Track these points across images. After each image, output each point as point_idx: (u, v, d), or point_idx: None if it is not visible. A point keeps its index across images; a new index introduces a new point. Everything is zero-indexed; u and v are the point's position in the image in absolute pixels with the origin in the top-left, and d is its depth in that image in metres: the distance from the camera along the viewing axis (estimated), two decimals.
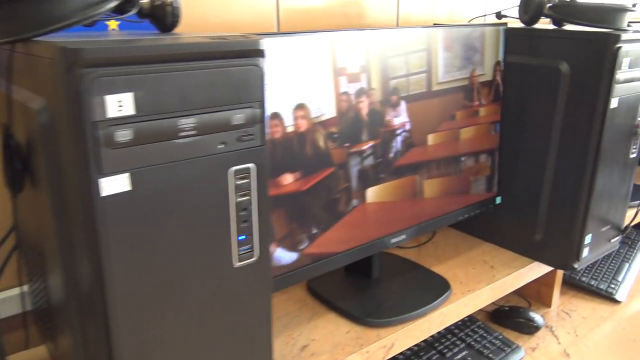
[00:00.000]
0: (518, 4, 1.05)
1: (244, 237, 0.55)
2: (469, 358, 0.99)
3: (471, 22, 1.25)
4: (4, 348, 0.76)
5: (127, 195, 0.46)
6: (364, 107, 0.85)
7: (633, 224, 1.12)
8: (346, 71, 0.79)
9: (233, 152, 0.52)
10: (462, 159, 1.00)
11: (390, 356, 0.82)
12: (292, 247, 0.78)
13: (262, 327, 0.60)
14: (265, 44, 0.65)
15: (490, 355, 1.00)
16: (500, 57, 0.99)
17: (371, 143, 0.87)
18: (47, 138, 0.49)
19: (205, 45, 0.48)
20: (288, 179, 0.75)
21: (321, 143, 0.79)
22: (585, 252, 1.00)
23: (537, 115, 0.99)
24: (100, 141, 0.44)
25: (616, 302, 1.23)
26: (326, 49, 0.75)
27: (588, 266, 1.33)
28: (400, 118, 0.92)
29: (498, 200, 1.06)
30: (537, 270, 1.05)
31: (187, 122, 0.48)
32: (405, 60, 0.88)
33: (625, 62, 0.89)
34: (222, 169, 0.52)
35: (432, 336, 1.04)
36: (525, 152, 1.02)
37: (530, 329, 1.11)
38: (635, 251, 1.43)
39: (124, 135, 0.45)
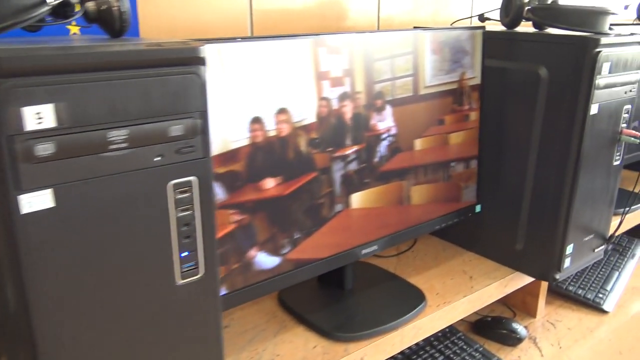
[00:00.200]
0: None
1: (186, 253, 0.53)
2: None
3: (453, 25, 1.22)
4: None
5: (50, 212, 0.44)
6: (348, 112, 0.83)
7: (618, 232, 1.09)
8: (329, 75, 0.78)
9: (172, 165, 0.50)
10: (441, 166, 0.97)
11: None
12: (273, 252, 0.76)
13: (211, 347, 0.57)
14: (240, 48, 0.66)
15: None
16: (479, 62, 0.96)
17: (355, 148, 0.85)
18: None
19: (136, 53, 0.46)
20: (269, 183, 0.74)
21: (303, 147, 0.77)
22: (567, 262, 0.97)
23: (516, 122, 0.96)
24: (18, 156, 0.41)
25: (603, 312, 1.20)
26: (306, 53, 0.74)
27: (576, 275, 1.30)
28: (385, 122, 0.90)
29: (478, 208, 1.03)
30: (518, 280, 1.02)
31: (118, 134, 0.46)
32: (390, 64, 0.86)
33: (605, 67, 0.86)
34: (160, 182, 0.50)
35: (409, 348, 1.01)
36: (505, 159, 0.99)
37: (513, 340, 1.08)
38: (625, 259, 1.40)
39: (44, 149, 0.42)
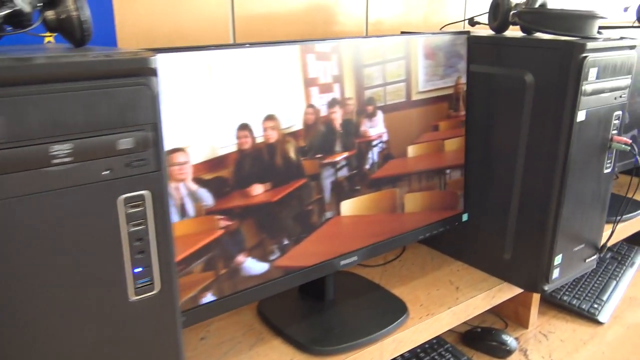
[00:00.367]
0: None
1: (140, 269, 0.51)
2: None
3: (443, 29, 1.20)
4: None
5: None
6: (338, 118, 0.82)
7: (610, 242, 1.06)
8: (317, 81, 0.77)
9: (121, 179, 0.48)
10: (429, 173, 0.95)
11: None
12: (262, 259, 0.75)
13: None
14: (226, 55, 0.66)
15: None
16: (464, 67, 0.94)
17: (345, 154, 0.84)
18: None
19: (80, 64, 0.45)
20: (257, 189, 0.73)
21: (292, 154, 0.76)
22: (556, 273, 0.94)
23: (503, 129, 0.94)
24: None
25: (598, 323, 1.16)
26: (293, 60, 0.73)
27: (572, 284, 1.27)
28: (376, 129, 0.88)
29: (465, 217, 1.01)
30: (506, 291, 0.99)
31: (61, 149, 0.45)
32: (381, 69, 0.85)
33: (592, 72, 0.84)
34: (110, 197, 0.48)
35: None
36: (492, 167, 0.97)
37: (503, 352, 1.05)
38: (624, 268, 1.37)
39: None
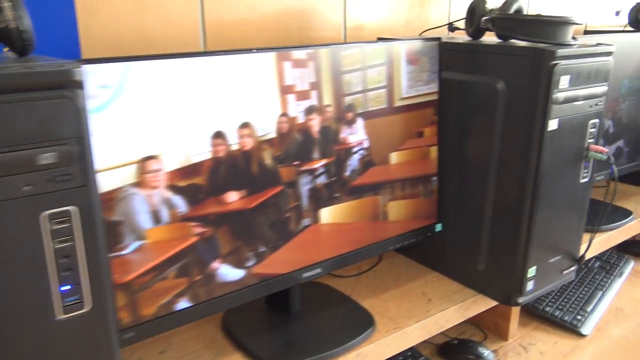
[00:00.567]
0: None
1: (68, 286, 0.50)
2: None
3: (422, 35, 1.18)
4: None
5: None
6: (315, 125, 0.80)
7: (595, 252, 1.03)
8: (294, 89, 0.76)
9: (44, 194, 0.47)
10: (408, 181, 0.93)
11: None
12: (238, 265, 0.75)
13: None
14: (198, 63, 0.65)
15: None
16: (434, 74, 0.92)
17: (324, 161, 0.82)
18: None
19: None
20: (233, 196, 0.73)
21: (268, 161, 0.76)
22: (530, 285, 0.91)
23: (476, 138, 0.92)
24: None
25: (581, 335, 1.13)
26: (268, 67, 0.72)
27: (556, 294, 1.24)
28: (356, 135, 0.86)
29: (438, 227, 0.98)
30: (481, 304, 0.97)
31: None
32: (360, 76, 0.84)
33: (563, 80, 0.81)
34: (33, 213, 0.47)
35: None
36: (466, 176, 0.95)
37: None
38: (612, 278, 1.33)
39: None
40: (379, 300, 0.94)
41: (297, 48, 0.75)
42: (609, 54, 0.88)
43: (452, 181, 0.97)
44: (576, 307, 1.19)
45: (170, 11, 0.89)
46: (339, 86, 0.81)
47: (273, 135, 0.75)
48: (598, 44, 0.88)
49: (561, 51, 0.80)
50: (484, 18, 0.90)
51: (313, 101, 0.79)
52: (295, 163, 0.79)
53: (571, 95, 0.84)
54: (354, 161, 0.87)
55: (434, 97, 0.93)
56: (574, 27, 0.86)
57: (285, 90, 0.75)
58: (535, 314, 1.19)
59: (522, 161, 0.85)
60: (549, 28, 0.83)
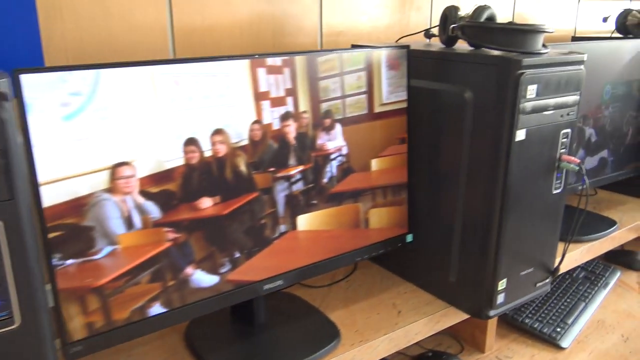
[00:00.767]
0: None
1: None
2: None
3: (399, 41, 1.16)
4: None
5: None
6: (291, 131, 0.80)
7: (567, 266, 1.01)
8: (268, 95, 0.76)
9: None
10: (382, 190, 0.92)
11: None
12: (212, 271, 0.75)
13: None
14: (170, 69, 0.66)
15: None
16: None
17: (300, 168, 0.81)
18: None
19: None
20: (206, 202, 0.73)
21: (243, 168, 0.75)
22: (501, 298, 0.90)
23: (446, 148, 0.90)
24: None
25: (560, 348, 1.11)
26: (241, 74, 0.73)
27: (537, 305, 1.22)
28: (335, 142, 0.85)
29: (409, 238, 0.97)
30: (452, 316, 0.95)
31: None
32: (338, 82, 0.83)
33: (531, 89, 0.80)
34: None
35: None
36: (436, 186, 0.93)
37: None
38: (596, 289, 1.31)
39: None
40: (347, 312, 0.93)
41: (269, 55, 0.75)
42: (580, 62, 0.86)
43: (423, 191, 0.95)
44: (557, 319, 1.17)
45: (137, 17, 0.88)
46: (316, 92, 0.80)
47: (247, 141, 0.75)
48: (570, 52, 0.86)
49: (527, 60, 0.78)
50: (452, 26, 0.88)
51: (289, 107, 0.78)
52: (271, 169, 0.78)
53: (540, 105, 0.82)
54: (332, 168, 0.86)
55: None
56: (544, 35, 0.84)
57: (260, 96, 0.75)
58: (514, 326, 1.17)
59: (490, 172, 0.83)
60: (517, 36, 0.82)
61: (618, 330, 1.19)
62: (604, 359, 1.09)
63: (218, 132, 0.72)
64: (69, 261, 0.63)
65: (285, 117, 0.78)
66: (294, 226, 0.83)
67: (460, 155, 0.87)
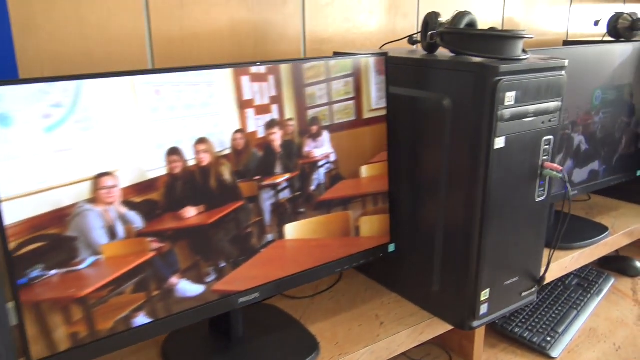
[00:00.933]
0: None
1: None
2: None
3: (382, 48, 1.15)
4: None
5: None
6: (277, 139, 0.79)
7: (553, 275, 0.99)
8: (253, 103, 0.76)
9: None
10: (363, 199, 0.91)
11: None
12: (197, 281, 0.74)
13: None
14: (152, 79, 0.66)
15: None
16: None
17: (287, 176, 0.81)
18: None
19: None
20: (190, 212, 0.72)
21: (227, 176, 0.75)
22: (484, 308, 0.88)
23: (426, 155, 0.89)
24: None
25: (549, 358, 1.09)
26: (224, 83, 0.73)
27: (527, 313, 1.20)
28: (322, 149, 0.84)
29: (391, 247, 0.95)
30: (436, 327, 0.93)
31: None
32: (325, 88, 0.83)
33: (509, 96, 0.78)
34: None
35: None
36: (417, 195, 0.92)
37: None
38: (589, 296, 1.29)
39: None
40: (329, 324, 0.91)
41: (246, 65, 0.75)
42: (561, 68, 0.85)
43: (405, 199, 0.94)
44: (547, 328, 1.15)
45: (114, 28, 0.88)
46: (302, 99, 0.80)
47: (229, 150, 0.74)
48: (550, 58, 0.85)
49: (505, 67, 0.77)
50: (431, 32, 0.87)
51: (274, 115, 0.78)
52: (257, 178, 0.78)
53: (519, 112, 0.81)
54: (320, 175, 0.85)
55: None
56: (523, 40, 0.83)
57: (244, 104, 0.75)
58: (504, 335, 1.16)
59: (470, 180, 0.82)
60: (494, 43, 0.81)
61: (610, 339, 1.16)
62: None
63: (201, 141, 0.72)
64: (52, 272, 0.63)
65: (270, 125, 0.78)
66: (281, 235, 0.82)
67: (440, 163, 0.86)
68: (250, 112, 0.76)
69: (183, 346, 0.83)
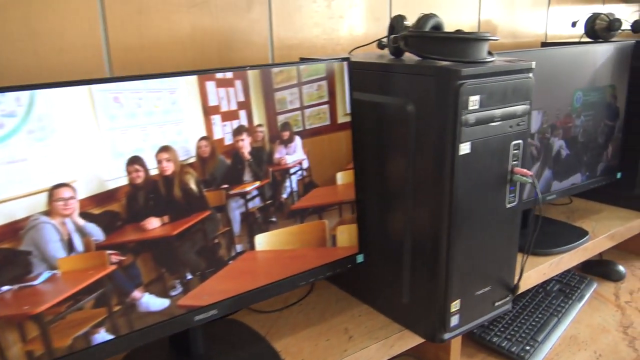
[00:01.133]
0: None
1: None
2: None
3: (352, 52, 1.13)
4: None
5: None
6: (246, 146, 0.77)
7: (531, 283, 0.96)
8: (219, 110, 0.73)
9: None
10: (340, 207, 0.88)
11: None
12: (162, 294, 0.71)
13: None
14: (111, 87, 0.64)
15: None
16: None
17: (257, 184, 0.78)
18: None
19: None
20: (154, 223, 0.70)
21: (193, 186, 0.72)
22: (455, 320, 0.85)
23: (391, 163, 0.86)
24: None
25: None
26: (188, 89, 0.70)
27: (507, 321, 1.17)
28: (294, 155, 0.81)
29: (360, 258, 0.92)
30: (408, 340, 0.90)
31: None
32: (296, 93, 0.80)
33: (473, 100, 0.76)
34: None
35: None
36: (385, 203, 0.89)
37: None
38: (570, 302, 1.26)
39: None
40: (295, 339, 0.88)
41: (207, 72, 0.72)
42: (528, 70, 0.82)
43: (372, 208, 0.91)
44: (526, 337, 1.12)
45: (68, 37, 0.85)
46: (272, 104, 0.77)
47: (195, 158, 0.72)
48: (517, 61, 0.83)
49: (467, 70, 0.74)
50: (394, 36, 0.85)
51: (242, 121, 0.75)
52: (224, 186, 0.75)
53: (485, 116, 0.78)
54: (292, 183, 0.82)
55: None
56: (488, 43, 0.80)
57: (209, 111, 0.72)
58: (482, 344, 1.13)
59: (436, 187, 0.79)
60: (458, 45, 0.78)
61: (591, 346, 1.14)
62: None
63: (164, 149, 0.69)
64: (5, 288, 0.60)
65: (238, 131, 0.75)
66: (252, 246, 0.79)
67: (406, 170, 0.83)
68: (216, 118, 0.73)
69: None
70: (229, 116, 0.74)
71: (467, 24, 1.42)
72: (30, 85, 0.59)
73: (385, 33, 1.24)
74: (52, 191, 0.62)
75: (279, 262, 0.82)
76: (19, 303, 0.61)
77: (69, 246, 0.64)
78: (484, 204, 0.83)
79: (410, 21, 0.88)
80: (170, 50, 0.95)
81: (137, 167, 0.68)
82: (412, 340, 0.91)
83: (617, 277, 1.41)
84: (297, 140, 0.82)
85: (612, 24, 1.39)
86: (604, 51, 1.25)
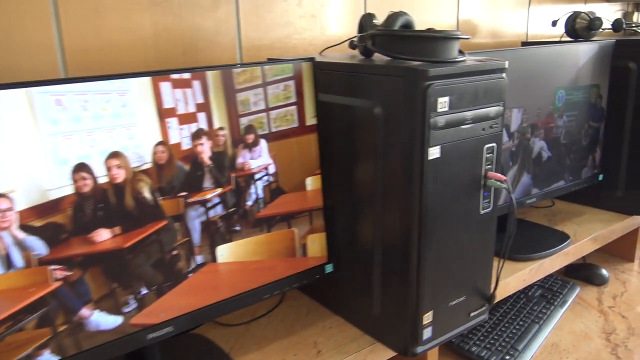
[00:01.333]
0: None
1: None
2: None
3: (323, 52, 1.09)
4: None
5: None
6: (206, 150, 0.72)
7: (510, 290, 0.93)
8: (175, 112, 0.68)
9: None
10: (310, 214, 0.84)
11: None
12: (114, 311, 0.67)
13: None
14: (53, 90, 0.59)
15: None
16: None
17: (218, 191, 0.74)
18: None
19: None
20: (104, 235, 0.65)
21: (147, 194, 0.68)
22: (427, 333, 0.81)
23: (359, 168, 0.82)
24: None
25: None
26: (141, 91, 0.66)
27: (486, 330, 1.13)
28: (259, 160, 0.77)
29: (329, 268, 0.88)
30: (380, 353, 0.86)
31: None
32: (260, 94, 0.76)
33: (442, 102, 0.72)
34: None
35: None
36: (353, 211, 0.85)
37: None
38: (552, 308, 1.23)
39: None
40: (261, 355, 0.83)
41: (158, 73, 0.68)
42: (501, 70, 0.79)
43: (342, 215, 0.87)
44: (506, 345, 1.09)
45: (17, 38, 0.80)
46: (234, 106, 0.73)
47: (150, 164, 0.67)
48: (489, 60, 0.79)
49: (435, 70, 0.70)
50: (361, 35, 0.81)
51: (201, 124, 0.71)
52: (182, 194, 0.71)
53: (455, 119, 0.74)
54: (257, 189, 0.78)
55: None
56: (458, 42, 0.77)
57: (165, 114, 0.68)
58: (460, 355, 1.09)
59: (405, 194, 0.75)
60: (426, 44, 0.74)
61: (573, 354, 1.10)
62: None
63: (114, 155, 0.65)
64: None
65: (197, 135, 0.71)
66: (214, 257, 0.75)
67: (374, 175, 0.79)
68: (172, 121, 0.69)
69: None
70: (186, 119, 0.70)
71: (446, 24, 1.39)
72: None
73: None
74: None
75: (244, 274, 0.78)
76: None
77: (7, 262, 0.60)
78: (456, 210, 0.79)
79: (381, 20, 0.84)
80: (131, 52, 0.91)
81: (84, 174, 0.63)
82: (385, 353, 0.86)
83: (600, 281, 1.38)
84: (263, 143, 0.77)
85: (593, 23, 1.36)
86: (584, 50, 1.22)
